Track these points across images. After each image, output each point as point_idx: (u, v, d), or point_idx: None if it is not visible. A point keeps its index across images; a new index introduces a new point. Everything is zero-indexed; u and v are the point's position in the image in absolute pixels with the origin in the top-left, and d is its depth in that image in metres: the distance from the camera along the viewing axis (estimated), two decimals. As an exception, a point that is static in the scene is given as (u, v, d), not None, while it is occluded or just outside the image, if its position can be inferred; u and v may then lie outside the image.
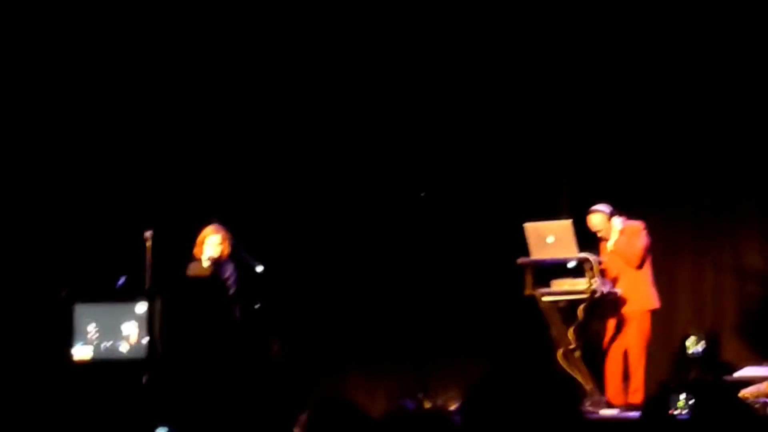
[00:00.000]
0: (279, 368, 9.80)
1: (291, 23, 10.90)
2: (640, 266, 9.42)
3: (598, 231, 9.52)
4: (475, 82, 10.86)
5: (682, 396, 8.47)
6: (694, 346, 9.67)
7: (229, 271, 9.28)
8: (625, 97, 10.62)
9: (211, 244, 9.30)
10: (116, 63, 10.76)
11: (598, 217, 9.50)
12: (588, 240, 9.44)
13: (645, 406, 8.05)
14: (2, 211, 10.40)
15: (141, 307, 8.26)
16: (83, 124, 10.71)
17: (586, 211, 9.53)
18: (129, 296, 8.37)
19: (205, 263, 9.24)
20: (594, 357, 9.49)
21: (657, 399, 8.39)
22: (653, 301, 9.41)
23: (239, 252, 9.41)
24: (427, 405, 9.69)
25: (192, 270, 9.31)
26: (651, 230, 9.54)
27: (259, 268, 9.56)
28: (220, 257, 9.30)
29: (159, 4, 10.80)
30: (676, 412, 8.02)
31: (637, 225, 9.49)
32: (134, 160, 10.71)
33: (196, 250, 9.36)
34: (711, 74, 10.40)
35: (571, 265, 9.36)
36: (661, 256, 10.00)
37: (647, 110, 10.59)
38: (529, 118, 10.77)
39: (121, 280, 8.76)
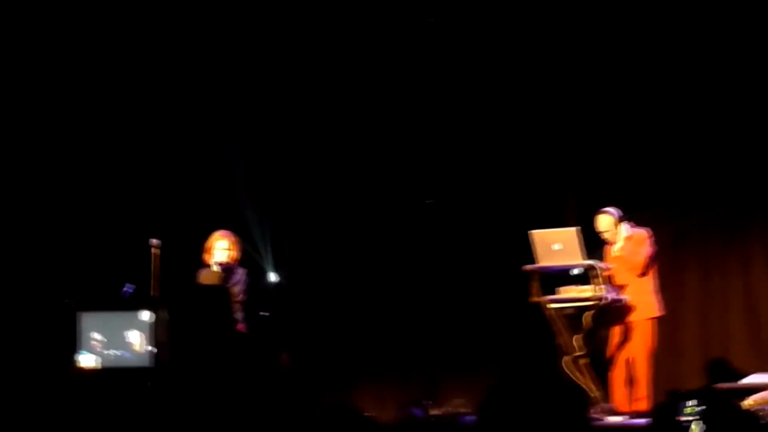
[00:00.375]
0: (287, 377, 9.78)
1: (300, 34, 10.90)
2: (643, 274, 9.40)
3: (605, 232, 9.51)
4: (482, 90, 10.85)
5: (691, 403, 8.45)
6: None
7: (238, 277, 9.26)
8: (633, 105, 10.60)
9: (220, 249, 9.29)
10: (124, 70, 10.75)
11: (607, 219, 9.49)
12: (593, 246, 9.43)
13: (654, 413, 8.05)
14: (8, 219, 10.38)
15: (146, 316, 8.25)
16: (90, 133, 10.70)
17: (595, 212, 9.52)
18: (134, 305, 8.35)
19: (215, 268, 9.22)
20: (600, 364, 9.47)
21: (666, 406, 8.38)
22: (656, 309, 9.39)
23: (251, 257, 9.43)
24: (435, 412, 9.67)
25: (202, 277, 9.30)
26: (658, 238, 9.52)
27: (273, 277, 9.55)
28: (229, 262, 9.28)
29: (171, 14, 10.79)
30: (684, 419, 7.99)
31: (643, 233, 9.48)
32: (141, 168, 10.70)
33: (205, 257, 9.35)
34: (720, 83, 10.37)
35: (576, 272, 9.35)
36: (669, 264, 9.98)
37: (654, 119, 10.56)
38: (536, 126, 10.75)
39: (128, 288, 8.75)
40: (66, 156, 10.64)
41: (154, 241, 8.91)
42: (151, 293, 8.62)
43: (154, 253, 8.85)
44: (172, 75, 10.82)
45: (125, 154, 10.72)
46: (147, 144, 10.79)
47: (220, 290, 8.94)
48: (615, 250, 9.50)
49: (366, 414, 8.84)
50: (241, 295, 9.17)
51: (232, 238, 9.35)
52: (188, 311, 8.31)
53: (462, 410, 9.46)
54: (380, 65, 10.93)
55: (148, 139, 10.79)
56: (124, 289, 8.74)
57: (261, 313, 9.50)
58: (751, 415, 6.43)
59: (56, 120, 10.67)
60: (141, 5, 10.80)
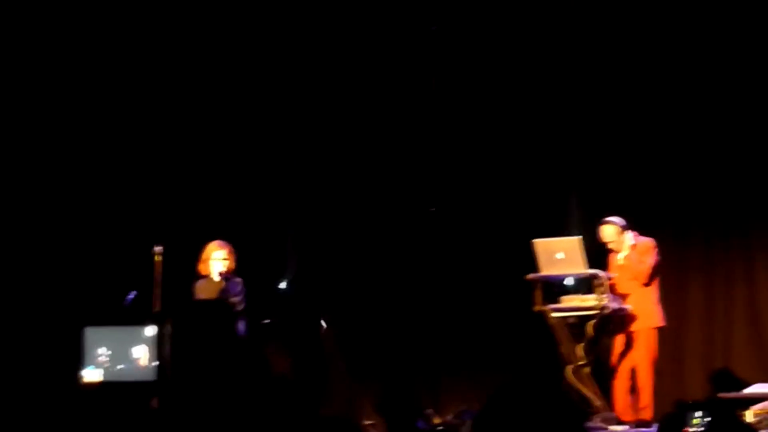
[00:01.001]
0: (287, 385, 9.78)
1: (305, 44, 10.92)
2: (648, 284, 9.40)
3: (610, 242, 9.51)
4: (485, 98, 10.86)
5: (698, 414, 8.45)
6: None
7: (238, 287, 9.25)
8: (636, 114, 10.60)
9: (217, 259, 9.28)
10: (126, 77, 10.75)
11: (611, 229, 9.49)
12: (596, 256, 9.45)
13: (661, 424, 8.07)
14: (11, 234, 10.39)
15: (150, 331, 8.29)
16: (92, 143, 10.70)
17: (599, 222, 9.53)
18: (139, 319, 8.39)
19: (216, 278, 9.20)
20: (603, 373, 9.48)
21: (672, 417, 8.40)
22: (659, 319, 9.40)
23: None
24: (437, 421, 9.67)
25: (200, 290, 9.26)
26: (661, 248, 9.52)
27: (282, 284, 9.61)
28: (227, 271, 9.27)
29: (174, 16, 10.80)
30: (691, 431, 8.01)
31: (649, 242, 9.47)
32: (142, 174, 10.69)
33: (201, 267, 9.30)
34: (724, 91, 10.38)
35: (568, 282, 9.38)
36: (672, 273, 9.99)
37: (657, 127, 10.56)
38: (539, 135, 10.76)
39: (131, 296, 8.77)
40: (69, 168, 10.63)
41: (157, 249, 8.91)
42: (154, 304, 8.64)
43: (157, 261, 8.84)
44: (175, 81, 10.82)
45: (127, 162, 10.71)
46: (149, 149, 10.77)
47: (221, 304, 8.95)
48: (619, 258, 9.51)
49: (367, 423, 8.85)
50: (241, 305, 9.18)
51: (229, 248, 9.34)
52: (190, 327, 8.33)
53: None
54: (384, 74, 10.94)
55: (149, 146, 10.78)
56: (128, 297, 8.76)
57: (264, 321, 9.52)
58: (752, 428, 6.46)
59: (57, 132, 10.65)
60: (144, 8, 10.81)
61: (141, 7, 10.80)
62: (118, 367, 8.27)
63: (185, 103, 10.81)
